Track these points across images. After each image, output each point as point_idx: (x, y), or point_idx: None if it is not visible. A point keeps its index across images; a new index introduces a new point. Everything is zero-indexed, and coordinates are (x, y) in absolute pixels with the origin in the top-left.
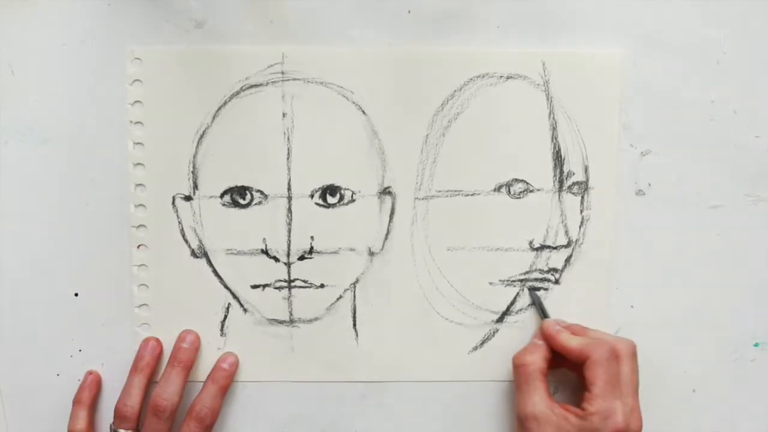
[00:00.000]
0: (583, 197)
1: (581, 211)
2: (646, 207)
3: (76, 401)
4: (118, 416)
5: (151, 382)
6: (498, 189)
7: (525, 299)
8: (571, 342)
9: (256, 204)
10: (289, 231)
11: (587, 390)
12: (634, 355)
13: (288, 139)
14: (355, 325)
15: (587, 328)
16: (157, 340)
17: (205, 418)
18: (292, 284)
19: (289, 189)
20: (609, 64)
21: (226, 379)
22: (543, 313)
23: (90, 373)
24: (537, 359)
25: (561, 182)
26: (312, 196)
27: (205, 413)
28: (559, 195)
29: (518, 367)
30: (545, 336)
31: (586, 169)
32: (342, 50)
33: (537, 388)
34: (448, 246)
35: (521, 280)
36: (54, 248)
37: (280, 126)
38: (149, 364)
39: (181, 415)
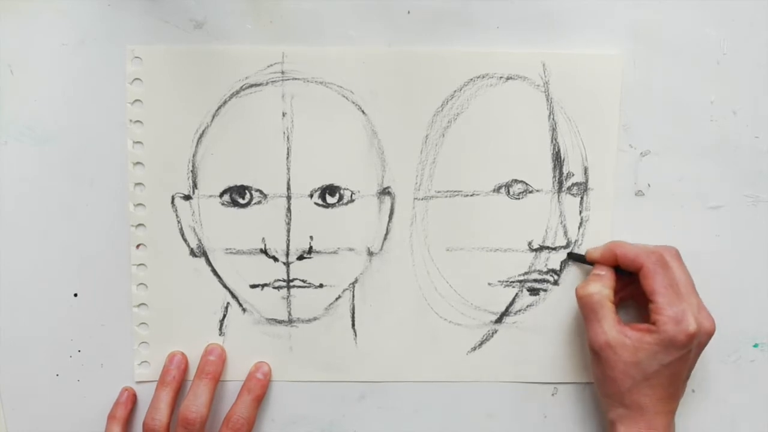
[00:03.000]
0: (582, 198)
1: (580, 212)
2: (645, 208)
3: (111, 417)
4: (147, 431)
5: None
6: (497, 190)
7: (524, 300)
8: (629, 250)
9: (255, 203)
10: (289, 231)
11: (651, 302)
12: (679, 257)
13: (287, 138)
14: (353, 325)
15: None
16: (183, 354)
17: (241, 428)
18: (291, 284)
19: (288, 189)
20: (609, 64)
21: (260, 389)
22: (582, 259)
23: (125, 389)
24: (601, 287)
25: (560, 183)
26: (311, 195)
27: (241, 423)
28: (559, 196)
29: (583, 298)
30: (608, 251)
31: (585, 170)
32: (342, 50)
33: (606, 315)
34: (447, 246)
35: (520, 281)
36: (53, 248)
37: (279, 126)
38: (176, 378)
39: (211, 427)
